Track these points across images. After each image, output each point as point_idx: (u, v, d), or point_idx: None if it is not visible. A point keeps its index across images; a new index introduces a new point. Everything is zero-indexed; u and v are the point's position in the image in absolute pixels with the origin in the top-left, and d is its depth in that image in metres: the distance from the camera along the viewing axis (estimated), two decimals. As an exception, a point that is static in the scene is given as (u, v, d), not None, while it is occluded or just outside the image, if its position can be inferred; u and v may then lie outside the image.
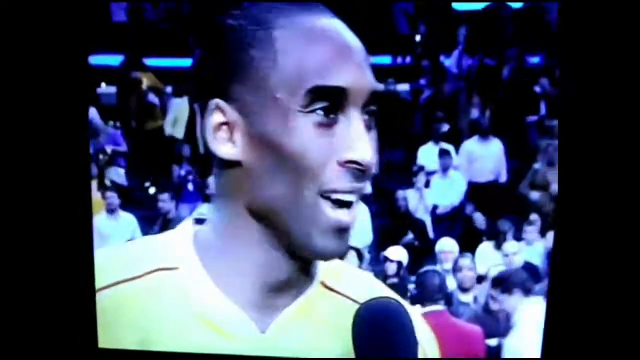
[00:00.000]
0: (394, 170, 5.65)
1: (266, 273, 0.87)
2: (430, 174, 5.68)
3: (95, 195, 4.94)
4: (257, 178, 0.84)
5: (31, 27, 0.92)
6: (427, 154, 5.80)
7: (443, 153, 5.73)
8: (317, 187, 0.81)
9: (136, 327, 0.88)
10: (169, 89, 5.79)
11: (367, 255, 5.12)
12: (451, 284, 4.04)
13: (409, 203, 5.40)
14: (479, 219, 5.28)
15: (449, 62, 6.53)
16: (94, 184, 4.95)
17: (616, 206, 0.99)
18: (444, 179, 5.72)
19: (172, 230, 0.94)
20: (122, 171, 5.37)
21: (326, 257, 0.86)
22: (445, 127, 5.94)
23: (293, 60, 0.81)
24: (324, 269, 0.92)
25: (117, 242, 4.67)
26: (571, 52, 0.94)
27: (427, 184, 5.60)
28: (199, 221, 0.94)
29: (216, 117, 0.84)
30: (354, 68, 0.82)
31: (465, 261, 4.30)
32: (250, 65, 0.83)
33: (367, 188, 0.84)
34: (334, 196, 0.81)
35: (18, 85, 0.95)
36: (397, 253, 4.46)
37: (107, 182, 5.03)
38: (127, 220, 4.91)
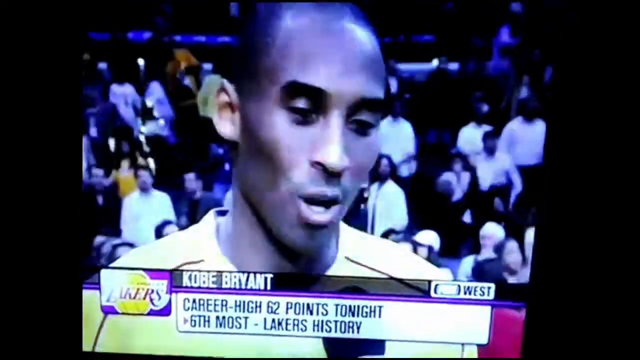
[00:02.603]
0: (431, 153, 5.54)
1: (274, 259, 0.89)
2: (467, 157, 5.54)
3: (128, 174, 5.00)
4: (245, 163, 0.86)
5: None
6: (469, 136, 5.65)
7: (488, 135, 5.59)
8: (291, 183, 0.82)
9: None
10: (206, 66, 5.75)
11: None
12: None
13: (448, 186, 5.29)
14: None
15: (498, 38, 6.34)
16: (125, 163, 5.00)
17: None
18: (490, 161, 5.58)
19: (196, 225, 0.98)
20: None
21: (296, 249, 0.86)
22: (485, 108, 5.77)
23: (284, 53, 0.82)
24: (345, 244, 0.95)
25: (149, 221, 4.70)
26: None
27: (465, 168, 5.47)
28: (221, 213, 0.98)
29: (221, 97, 0.88)
30: (341, 72, 0.81)
31: (513, 244, 4.14)
32: (252, 51, 0.84)
33: (346, 193, 0.83)
34: (307, 195, 0.82)
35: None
36: (427, 237, 4.36)
37: (140, 161, 5.06)
38: (161, 199, 4.93)
